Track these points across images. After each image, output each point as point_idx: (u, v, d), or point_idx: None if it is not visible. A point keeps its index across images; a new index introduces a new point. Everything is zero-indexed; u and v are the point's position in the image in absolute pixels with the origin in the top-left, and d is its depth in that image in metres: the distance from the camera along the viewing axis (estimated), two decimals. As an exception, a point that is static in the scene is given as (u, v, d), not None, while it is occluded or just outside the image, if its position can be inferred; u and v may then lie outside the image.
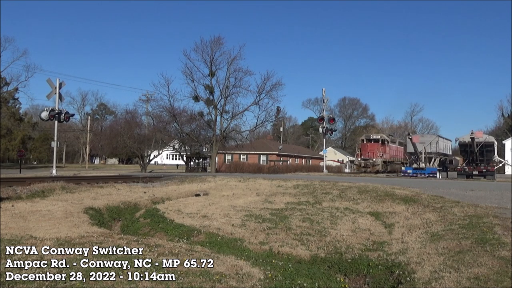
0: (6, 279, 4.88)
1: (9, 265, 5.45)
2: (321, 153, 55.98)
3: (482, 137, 32.35)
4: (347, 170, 50.08)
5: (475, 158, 32.21)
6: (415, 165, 32.75)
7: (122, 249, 6.64)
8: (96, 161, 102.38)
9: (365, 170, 39.51)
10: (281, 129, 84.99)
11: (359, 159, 41.69)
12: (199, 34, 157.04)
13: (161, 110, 44.08)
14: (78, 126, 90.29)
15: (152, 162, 49.08)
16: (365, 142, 42.54)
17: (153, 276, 5.27)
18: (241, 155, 56.92)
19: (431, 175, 30.56)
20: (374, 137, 43.32)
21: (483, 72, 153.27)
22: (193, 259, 6.31)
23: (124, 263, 5.74)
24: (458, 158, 43.91)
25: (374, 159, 39.99)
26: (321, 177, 24.82)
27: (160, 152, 48.51)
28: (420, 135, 42.92)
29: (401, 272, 6.58)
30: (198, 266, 5.95)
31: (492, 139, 34.72)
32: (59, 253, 6.24)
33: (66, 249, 6.51)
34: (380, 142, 41.46)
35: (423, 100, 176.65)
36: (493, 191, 14.42)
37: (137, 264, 5.72)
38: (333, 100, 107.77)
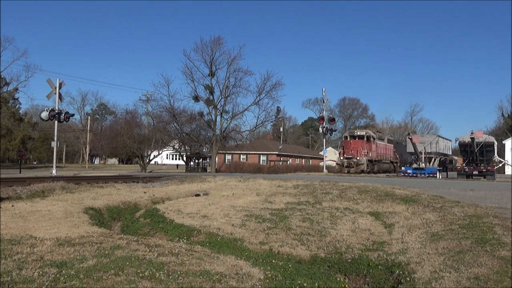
0: (6, 279, 4.88)
1: (9, 265, 5.45)
2: (321, 153, 55.94)
3: (482, 137, 32.36)
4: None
5: (475, 158, 32.22)
6: (415, 165, 32.72)
7: (122, 249, 6.65)
8: (96, 161, 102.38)
9: (348, 170, 35.88)
10: (281, 129, 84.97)
11: (341, 158, 37.84)
12: (199, 34, 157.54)
13: (161, 110, 44.13)
14: (78, 126, 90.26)
15: (152, 162, 49.07)
16: (348, 139, 38.73)
17: (153, 276, 5.27)
18: (241, 155, 56.93)
19: (431, 175, 30.56)
20: (358, 133, 39.29)
21: (483, 72, 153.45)
22: (193, 259, 6.32)
23: (124, 263, 5.74)
24: (455, 158, 43.72)
25: (358, 158, 36.21)
26: (321, 177, 24.81)
27: (160, 152, 48.51)
28: (420, 135, 41.97)
29: (401, 272, 6.58)
30: (198, 266, 5.95)
31: (492, 139, 34.72)
32: (59, 253, 6.25)
33: (66, 249, 6.52)
34: (365, 139, 37.71)
35: (423, 100, 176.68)
36: (493, 191, 14.42)
37: (137, 264, 5.73)
38: (333, 100, 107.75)
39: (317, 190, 15.05)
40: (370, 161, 37.43)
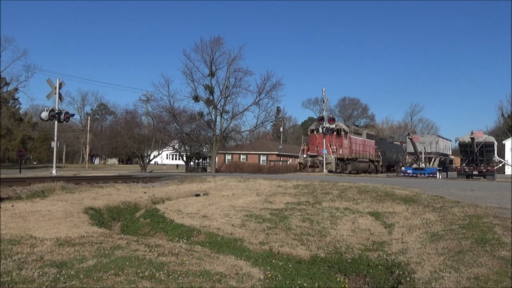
0: (6, 279, 4.88)
1: (9, 265, 5.45)
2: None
3: (482, 137, 32.44)
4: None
5: (475, 158, 32.25)
6: (415, 165, 32.72)
7: (122, 249, 6.65)
8: (96, 161, 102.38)
9: (312, 170, 30.82)
10: (281, 129, 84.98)
11: (304, 155, 32.29)
12: (199, 34, 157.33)
13: (161, 110, 44.22)
14: (78, 126, 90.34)
15: (152, 162, 49.10)
16: (314, 132, 32.96)
17: (153, 276, 5.27)
18: (241, 155, 56.99)
19: (431, 175, 30.57)
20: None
21: (483, 72, 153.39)
22: (193, 259, 6.32)
23: (124, 263, 5.74)
24: (452, 157, 43.42)
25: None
26: (321, 177, 24.77)
27: (160, 152, 48.53)
28: (420, 135, 41.60)
29: (401, 272, 6.58)
30: (198, 266, 5.95)
31: (492, 139, 34.77)
32: (59, 253, 6.25)
33: (66, 249, 6.52)
34: (334, 133, 32.26)
35: (423, 100, 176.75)
36: (493, 191, 14.41)
37: (137, 264, 5.73)
38: (333, 100, 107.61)
39: (317, 190, 15.04)
40: (341, 159, 32.19)
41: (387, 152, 43.90)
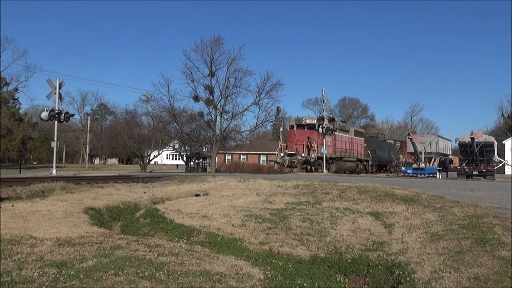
0: (6, 279, 4.88)
1: (9, 265, 5.45)
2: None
3: (482, 137, 32.48)
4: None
5: (475, 158, 32.27)
6: (415, 165, 32.72)
7: (122, 249, 6.65)
8: (96, 161, 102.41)
9: (290, 170, 28.02)
10: (281, 129, 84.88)
11: (282, 154, 29.53)
12: (199, 34, 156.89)
13: (161, 110, 44.18)
14: (78, 126, 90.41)
15: (152, 162, 49.10)
16: (294, 128, 29.97)
17: (153, 276, 5.27)
18: (241, 155, 57.01)
19: (431, 175, 30.57)
20: (307, 121, 30.14)
21: (483, 72, 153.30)
22: (193, 259, 6.32)
23: (124, 263, 5.74)
24: (450, 157, 43.32)
25: (303, 155, 28.29)
26: (321, 177, 24.75)
27: (160, 152, 48.53)
28: (420, 135, 41.57)
29: (401, 272, 6.58)
30: (198, 266, 5.96)
31: (492, 139, 34.80)
32: (59, 253, 6.25)
33: (66, 249, 6.52)
34: (316, 130, 29.34)
35: (423, 100, 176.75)
36: (493, 191, 14.40)
37: (137, 264, 5.73)
38: (333, 100, 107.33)
39: (317, 190, 15.04)
40: (322, 158, 29.63)
41: (377, 150, 41.52)
